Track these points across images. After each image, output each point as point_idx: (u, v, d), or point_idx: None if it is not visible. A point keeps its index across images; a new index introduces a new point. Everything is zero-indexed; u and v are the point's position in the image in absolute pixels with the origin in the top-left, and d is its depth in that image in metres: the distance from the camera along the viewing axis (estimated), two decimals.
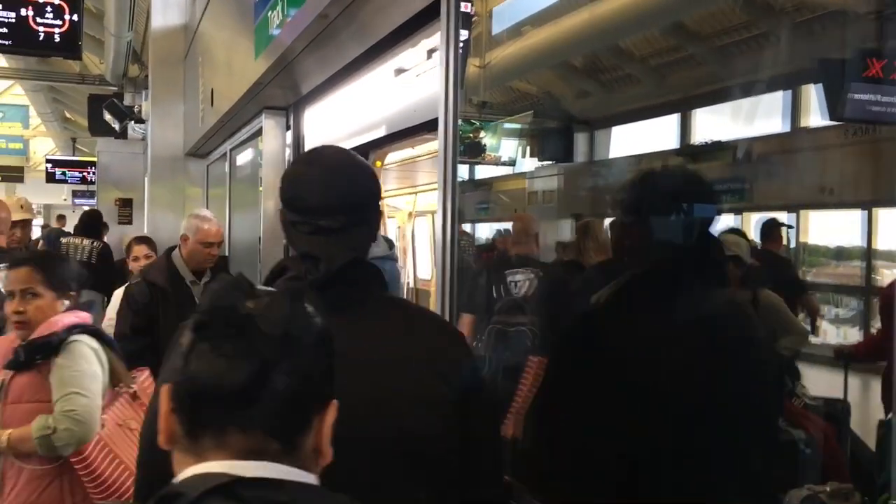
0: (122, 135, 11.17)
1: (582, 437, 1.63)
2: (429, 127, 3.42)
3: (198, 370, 0.78)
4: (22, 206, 4.30)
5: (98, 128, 11.56)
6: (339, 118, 4.24)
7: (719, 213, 1.83)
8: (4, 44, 6.25)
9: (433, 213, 10.13)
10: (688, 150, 2.45)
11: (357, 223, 1.32)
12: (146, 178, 7.20)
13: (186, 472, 0.78)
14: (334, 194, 1.30)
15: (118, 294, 3.95)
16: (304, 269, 1.27)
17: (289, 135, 4.41)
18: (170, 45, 6.71)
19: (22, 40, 6.29)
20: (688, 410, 1.57)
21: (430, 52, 3.80)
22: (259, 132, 4.62)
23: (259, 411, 0.78)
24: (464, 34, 2.39)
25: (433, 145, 5.85)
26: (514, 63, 3.36)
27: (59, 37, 6.40)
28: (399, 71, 3.87)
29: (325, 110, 4.16)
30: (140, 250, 4.44)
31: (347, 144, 4.14)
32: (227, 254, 5.63)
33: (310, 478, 0.81)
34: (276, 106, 4.38)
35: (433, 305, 2.56)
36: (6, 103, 18.70)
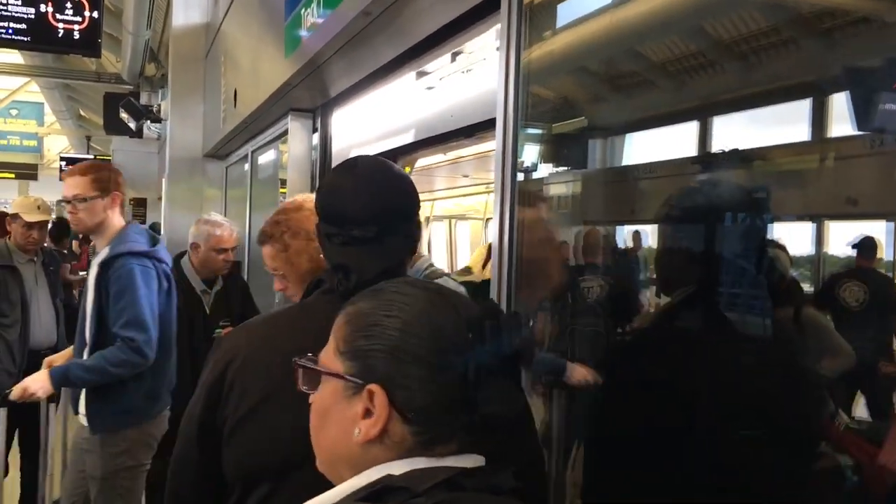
0: (138, 134, 11.14)
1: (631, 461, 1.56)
2: (465, 133, 3.32)
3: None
4: (39, 207, 4.20)
5: (113, 126, 11.55)
6: (367, 121, 4.13)
7: (768, 225, 1.73)
8: (23, 40, 6.17)
9: (450, 218, 10.10)
10: (706, 157, 2.37)
11: (391, 233, 1.30)
12: (164, 179, 7.11)
13: (393, 466, 0.84)
14: (366, 203, 1.29)
15: None
16: (336, 280, 1.27)
17: (315, 137, 4.30)
18: (190, 44, 6.62)
19: (41, 37, 6.21)
20: (728, 433, 1.49)
21: (455, 55, 3.71)
22: (284, 134, 4.51)
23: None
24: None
25: (450, 154, 5.80)
26: (536, 67, 3.29)
27: (79, 34, 6.32)
28: (421, 74, 3.79)
29: (353, 113, 4.05)
30: None
31: (376, 148, 4.04)
32: (244, 258, 5.54)
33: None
34: (303, 108, 4.27)
35: None
36: (21, 100, 18.70)
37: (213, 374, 1.31)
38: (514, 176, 2.12)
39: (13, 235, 4.19)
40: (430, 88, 3.84)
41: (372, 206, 1.29)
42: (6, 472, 3.74)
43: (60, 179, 16.36)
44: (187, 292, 3.54)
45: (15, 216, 4.15)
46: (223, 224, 3.71)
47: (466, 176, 5.86)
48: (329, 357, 0.91)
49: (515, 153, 2.12)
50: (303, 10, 3.27)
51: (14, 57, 13.41)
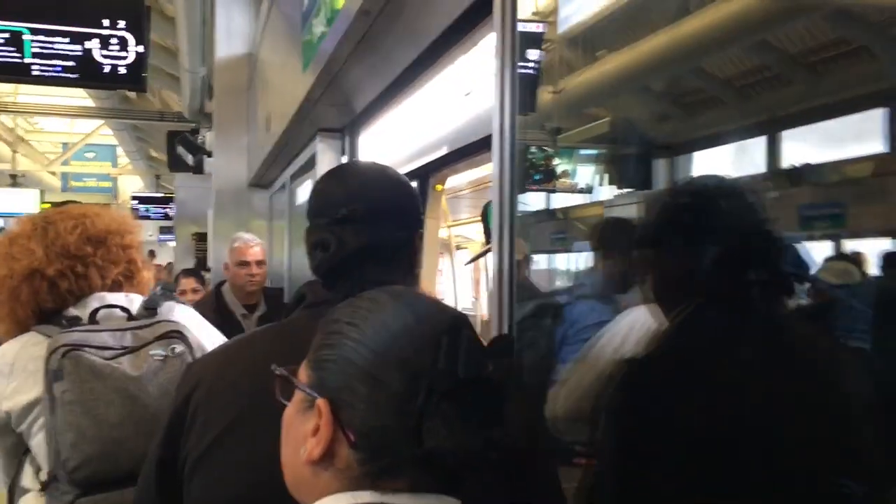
0: (199, 170, 11.24)
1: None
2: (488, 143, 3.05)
3: (446, 443, 0.74)
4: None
5: (176, 164, 11.69)
6: (395, 139, 3.90)
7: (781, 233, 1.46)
8: (71, 77, 6.20)
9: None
10: (777, 173, 2.19)
11: (383, 218, 1.19)
12: (210, 211, 7.04)
13: (340, 498, 0.75)
14: (353, 185, 1.23)
15: None
16: (315, 260, 1.18)
17: (344, 160, 4.09)
18: (233, 74, 6.56)
19: (88, 74, 6.23)
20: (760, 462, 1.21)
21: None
22: (314, 158, 4.32)
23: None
24: (534, 54, 2.20)
25: (457, 179, 5.50)
26: (589, 89, 3.15)
27: (125, 69, 6.31)
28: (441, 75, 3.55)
29: (380, 132, 3.83)
30: (188, 283, 4.21)
31: (405, 168, 3.80)
32: (286, 286, 5.38)
33: None
34: (331, 128, 4.08)
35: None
36: (96, 143, 19.36)
37: (174, 406, 1.16)
38: (513, 195, 1.87)
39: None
40: (468, 94, 3.58)
41: (358, 187, 1.21)
42: None
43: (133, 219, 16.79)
44: (226, 317, 3.44)
45: None
46: (244, 237, 3.67)
47: None
48: (302, 366, 0.84)
49: (513, 171, 1.89)
50: (313, 19, 3.08)
51: (84, 101, 13.88)
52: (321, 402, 0.77)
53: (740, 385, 1.25)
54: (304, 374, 0.82)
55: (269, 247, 5.87)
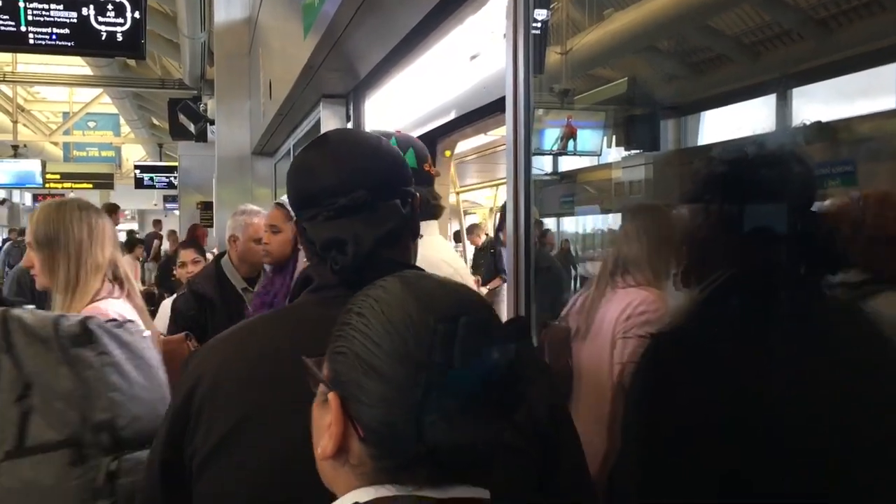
0: (202, 137, 11.14)
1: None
2: (500, 106, 2.95)
3: (450, 438, 0.71)
4: None
5: (179, 132, 11.57)
6: (401, 104, 3.80)
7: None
8: (67, 45, 6.07)
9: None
10: (788, 132, 2.12)
11: (386, 199, 1.10)
12: (214, 179, 6.96)
13: (361, 493, 0.73)
14: (349, 168, 1.10)
15: (166, 305, 3.63)
16: (329, 261, 1.07)
17: (349, 126, 4.00)
18: (233, 40, 6.43)
19: (84, 41, 6.10)
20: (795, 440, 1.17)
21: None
22: (318, 125, 4.22)
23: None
24: (542, 14, 2.11)
25: (464, 145, 5.38)
26: (597, 49, 3.04)
27: (122, 35, 6.17)
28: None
29: (386, 97, 3.72)
30: (187, 255, 4.10)
31: (412, 134, 3.71)
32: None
33: None
34: (334, 94, 3.97)
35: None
36: (98, 112, 19.21)
37: (176, 402, 1.09)
38: (528, 160, 1.80)
39: None
40: (473, 57, 3.48)
41: (356, 173, 1.09)
42: None
43: (136, 187, 16.80)
44: (227, 291, 3.29)
45: None
46: (259, 212, 3.48)
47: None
48: (325, 358, 0.80)
49: (529, 136, 1.81)
50: None
51: (83, 69, 13.72)
52: (332, 395, 0.75)
53: (773, 362, 1.19)
54: (325, 366, 0.80)
55: None
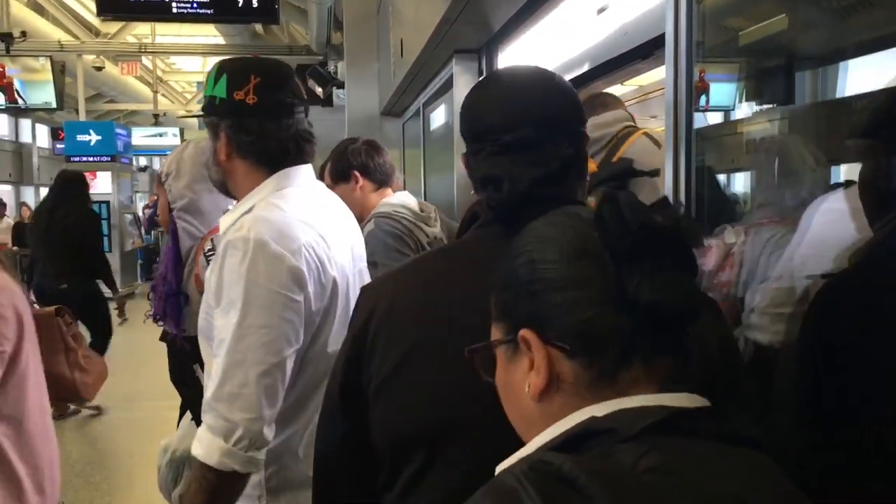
0: (328, 102, 11.40)
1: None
2: (640, 53, 2.84)
3: (657, 296, 0.70)
4: None
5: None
6: (535, 58, 3.74)
7: None
8: (207, 13, 6.35)
9: None
10: None
11: (551, 139, 1.08)
12: None
13: (596, 409, 0.71)
14: (515, 106, 1.10)
15: None
16: (486, 199, 1.11)
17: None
18: (362, 2, 6.51)
19: (222, 8, 6.36)
20: None
21: None
22: (450, 81, 4.22)
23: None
24: None
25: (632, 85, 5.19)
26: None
27: (257, 2, 6.39)
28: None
29: (519, 50, 3.67)
30: None
31: None
32: None
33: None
34: (467, 49, 3.94)
35: None
36: None
37: (355, 328, 1.16)
38: (689, 109, 1.70)
39: None
40: (601, 10, 3.38)
41: (522, 108, 1.09)
42: None
43: None
44: None
45: None
46: None
47: (655, 117, 5.19)
48: (493, 330, 0.83)
49: (691, 78, 1.71)
50: None
51: (214, 39, 14.27)
52: (523, 332, 0.76)
53: None
54: (497, 332, 0.82)
55: (403, 175, 5.88)
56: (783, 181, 1.80)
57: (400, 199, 2.95)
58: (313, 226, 1.59)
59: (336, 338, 1.63)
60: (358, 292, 1.72)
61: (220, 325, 1.50)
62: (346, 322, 1.65)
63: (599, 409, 0.71)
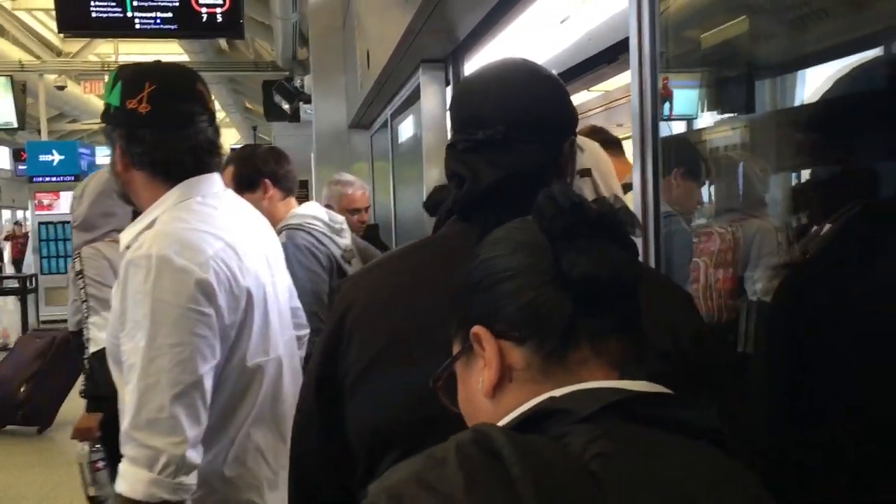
0: (295, 117, 11.37)
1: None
2: (606, 57, 2.88)
3: (592, 267, 0.72)
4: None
5: (273, 113, 11.86)
6: None
7: None
8: (170, 28, 6.30)
9: None
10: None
11: (524, 140, 1.06)
12: (312, 155, 7.10)
13: (555, 392, 0.70)
14: (492, 101, 1.09)
15: None
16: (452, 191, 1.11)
17: (448, 91, 3.98)
18: (327, 14, 6.52)
19: (187, 24, 6.32)
20: None
21: None
22: (417, 91, 4.23)
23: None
24: None
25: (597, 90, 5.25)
26: (694, 8, 2.91)
27: (222, 17, 6.36)
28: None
29: (486, 58, 3.68)
30: None
31: None
32: (392, 229, 5.37)
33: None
34: (434, 58, 3.95)
35: None
36: None
37: (331, 324, 1.15)
38: (654, 114, 1.71)
39: None
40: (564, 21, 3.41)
41: (498, 103, 1.08)
42: None
43: None
44: None
45: None
46: (354, 183, 3.64)
47: (621, 125, 5.23)
48: (453, 349, 0.84)
49: (655, 84, 1.72)
50: None
51: (179, 56, 14.16)
52: (474, 329, 0.77)
53: None
54: (455, 349, 0.84)
55: (372, 187, 5.87)
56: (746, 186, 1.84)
57: (310, 210, 2.88)
58: (221, 237, 1.52)
59: (256, 351, 1.57)
60: (279, 303, 1.70)
61: (127, 349, 1.43)
62: (266, 335, 1.61)
63: (557, 392, 0.71)
